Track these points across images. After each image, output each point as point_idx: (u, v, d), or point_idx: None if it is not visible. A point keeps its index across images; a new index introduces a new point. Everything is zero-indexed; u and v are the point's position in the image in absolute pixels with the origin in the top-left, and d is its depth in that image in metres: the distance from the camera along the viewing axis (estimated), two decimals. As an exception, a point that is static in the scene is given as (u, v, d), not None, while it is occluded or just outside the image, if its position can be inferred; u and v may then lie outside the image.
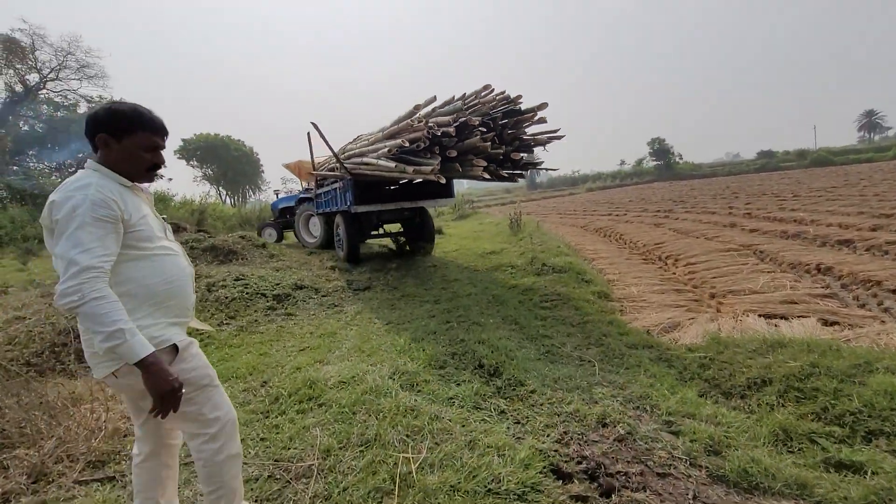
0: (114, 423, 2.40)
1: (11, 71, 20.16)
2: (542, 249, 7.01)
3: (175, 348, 1.37)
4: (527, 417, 2.40)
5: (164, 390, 1.21)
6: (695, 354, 3.16)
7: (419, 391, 2.80)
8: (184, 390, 1.29)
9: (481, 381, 2.88)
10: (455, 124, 4.85)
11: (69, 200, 1.19)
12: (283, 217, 11.57)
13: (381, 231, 8.42)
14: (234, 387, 3.00)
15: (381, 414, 2.49)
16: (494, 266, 6.72)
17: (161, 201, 20.49)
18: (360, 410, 2.54)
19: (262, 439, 2.36)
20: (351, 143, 7.44)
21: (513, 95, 5.40)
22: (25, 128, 22.03)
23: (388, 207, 7.24)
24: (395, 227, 8.69)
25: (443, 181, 4.97)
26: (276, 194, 13.32)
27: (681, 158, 57.06)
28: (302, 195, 10.40)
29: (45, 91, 21.59)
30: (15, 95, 20.34)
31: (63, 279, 1.14)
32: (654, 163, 57.36)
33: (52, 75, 21.07)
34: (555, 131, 5.67)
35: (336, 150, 7.00)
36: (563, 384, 2.76)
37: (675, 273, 6.12)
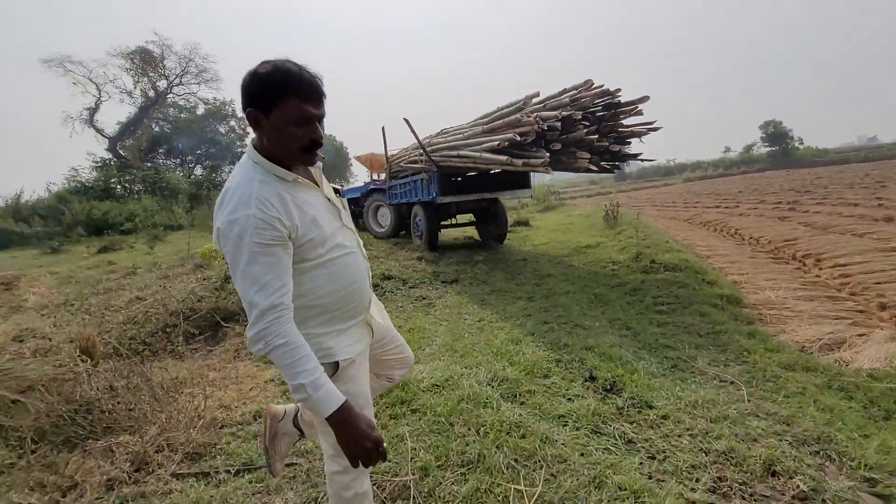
0: (211, 413, 2.36)
1: (146, 79, 23.07)
2: (648, 244, 6.25)
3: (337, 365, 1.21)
4: (663, 452, 1.95)
5: (356, 451, 1.05)
6: (884, 384, 2.44)
7: (522, 403, 2.45)
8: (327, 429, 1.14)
9: (596, 397, 2.45)
10: (560, 119, 4.93)
11: (233, 227, 1.02)
12: (349, 208, 11.60)
13: (454, 220, 8.50)
14: (326, 381, 2.87)
15: (482, 428, 2.18)
16: (592, 261, 6.12)
17: (263, 193, 22.25)
18: (457, 421, 2.25)
19: (353, 445, 2.16)
20: (437, 136, 7.44)
21: (611, 89, 5.38)
22: (156, 129, 25.12)
23: (469, 198, 7.34)
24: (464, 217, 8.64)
25: (551, 174, 5.25)
26: (342, 186, 13.61)
27: (801, 143, 49.88)
28: (373, 186, 10.50)
29: (171, 95, 24.41)
30: (148, 100, 23.23)
31: (250, 323, 1.03)
32: (767, 149, 50.73)
33: (176, 81, 23.75)
34: (651, 123, 5.55)
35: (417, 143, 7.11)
36: (704, 411, 2.23)
37: (818, 276, 5.09)
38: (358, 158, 12.81)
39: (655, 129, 5.55)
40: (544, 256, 6.88)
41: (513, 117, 5.33)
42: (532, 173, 7.02)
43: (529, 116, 5.09)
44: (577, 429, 2.15)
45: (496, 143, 5.28)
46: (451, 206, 7.59)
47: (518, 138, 5.01)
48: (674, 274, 4.82)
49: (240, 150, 28.03)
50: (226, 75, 27.13)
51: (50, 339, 3.27)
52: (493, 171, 7.05)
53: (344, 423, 1.03)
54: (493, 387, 2.62)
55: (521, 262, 6.51)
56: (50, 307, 4.78)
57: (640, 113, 5.39)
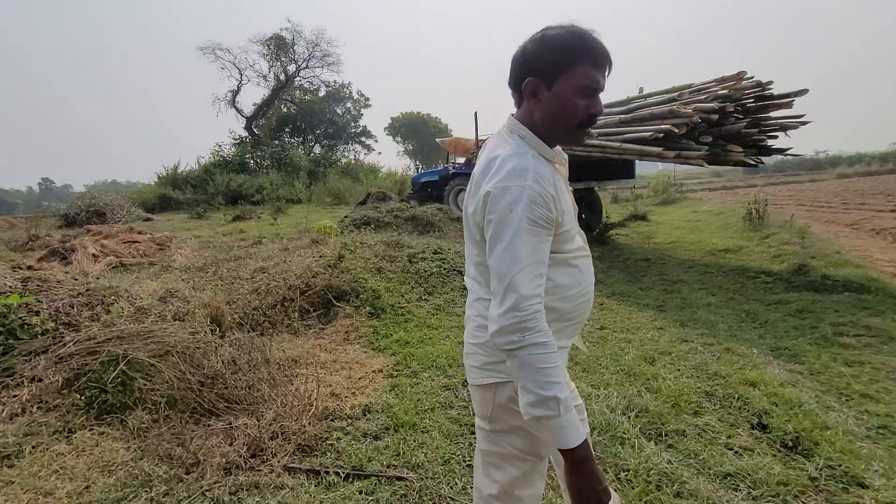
0: (323, 402, 2.28)
1: (278, 63, 25.27)
2: (812, 254, 5.13)
3: None
4: (899, 562, 1.39)
5: (585, 498, 0.85)
6: None
7: (671, 446, 2.00)
8: (503, 443, 1.02)
9: (776, 455, 1.91)
10: (717, 111, 4.81)
11: (506, 194, 0.87)
12: (425, 191, 11.89)
13: None
14: (435, 380, 2.68)
15: (624, 474, 1.79)
16: (735, 270, 5.19)
17: (371, 172, 23.37)
18: (590, 458, 1.89)
19: (470, 465, 1.92)
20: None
21: (763, 80, 5.19)
22: (284, 109, 27.57)
23: (577, 186, 7.14)
24: None
25: (705, 167, 5.01)
26: (418, 169, 13.88)
27: None
28: (456, 170, 10.82)
29: (298, 78, 26.50)
30: (279, 83, 25.47)
31: (501, 307, 0.85)
32: (965, 142, 40.43)
33: (304, 65, 25.66)
34: (800, 116, 5.24)
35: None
36: (953, 506, 1.59)
37: None
38: (442, 142, 13.10)
39: (805, 123, 5.22)
40: (671, 258, 6.05)
41: (665, 108, 5.20)
42: (637, 162, 6.91)
43: (687, 108, 4.93)
44: (755, 499, 1.66)
45: (648, 133, 5.08)
46: None
47: (676, 130, 4.83)
48: (859, 296, 3.82)
49: (353, 130, 29.78)
50: (346, 59, 28.65)
51: (188, 302, 3.53)
52: (594, 159, 6.40)
53: (587, 462, 0.84)
54: (628, 417, 2.20)
55: (644, 263, 5.78)
56: (192, 269, 5.31)
57: (789, 105, 5.05)
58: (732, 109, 4.85)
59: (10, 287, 2.52)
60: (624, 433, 2.06)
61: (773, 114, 5.19)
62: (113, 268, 5.72)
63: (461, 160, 11.87)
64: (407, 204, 8.31)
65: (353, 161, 26.50)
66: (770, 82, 5.11)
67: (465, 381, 2.63)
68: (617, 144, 5.48)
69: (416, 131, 44.23)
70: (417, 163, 46.05)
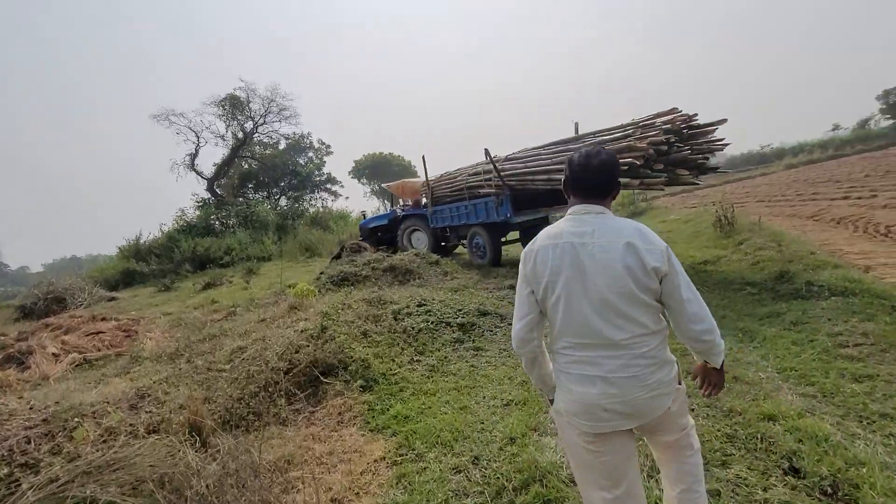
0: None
1: (235, 122, 25.19)
2: (789, 258, 5.22)
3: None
4: None
5: (721, 384, 1.53)
6: None
7: None
8: (685, 404, 1.55)
9: (818, 507, 1.80)
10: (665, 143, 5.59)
11: (668, 248, 1.39)
12: (374, 235, 12.08)
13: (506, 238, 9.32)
14: (443, 462, 2.47)
15: (669, 560, 1.63)
16: (718, 283, 5.23)
17: (342, 218, 23.15)
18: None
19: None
20: (505, 161, 8.10)
21: (690, 113, 6.03)
22: (245, 166, 27.30)
23: (538, 215, 8.30)
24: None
25: (664, 191, 5.69)
26: (364, 215, 14.35)
27: (935, 111, 42.29)
28: (407, 212, 11.40)
29: (256, 134, 26.41)
30: (237, 141, 25.31)
31: (706, 311, 1.39)
32: (890, 121, 43.69)
33: (260, 121, 25.65)
34: (722, 139, 6.12)
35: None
36: None
37: None
38: (388, 187, 13.46)
39: (725, 145, 6.22)
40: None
41: (623, 143, 5.81)
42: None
43: (642, 143, 5.60)
44: (814, 570, 1.53)
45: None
46: (507, 225, 8.41)
47: (639, 163, 5.51)
48: (846, 300, 3.85)
49: (317, 178, 29.69)
50: (302, 110, 28.87)
51: (162, 404, 3.23)
52: (554, 187, 7.23)
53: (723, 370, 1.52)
54: (657, 481, 2.05)
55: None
56: (163, 358, 4.96)
57: (714, 132, 6.01)
58: (674, 140, 5.72)
59: (-48, 432, 2.21)
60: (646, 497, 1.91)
61: (701, 139, 6.07)
62: (77, 366, 5.30)
63: (409, 202, 12.25)
64: (384, 252, 8.16)
65: (321, 209, 26.27)
66: (696, 114, 6.08)
67: (474, 456, 2.45)
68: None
69: (380, 172, 44.55)
70: (385, 202, 46.20)
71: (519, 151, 8.09)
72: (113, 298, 12.47)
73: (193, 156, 24.34)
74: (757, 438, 2.27)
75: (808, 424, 2.29)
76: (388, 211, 12.80)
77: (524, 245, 9.25)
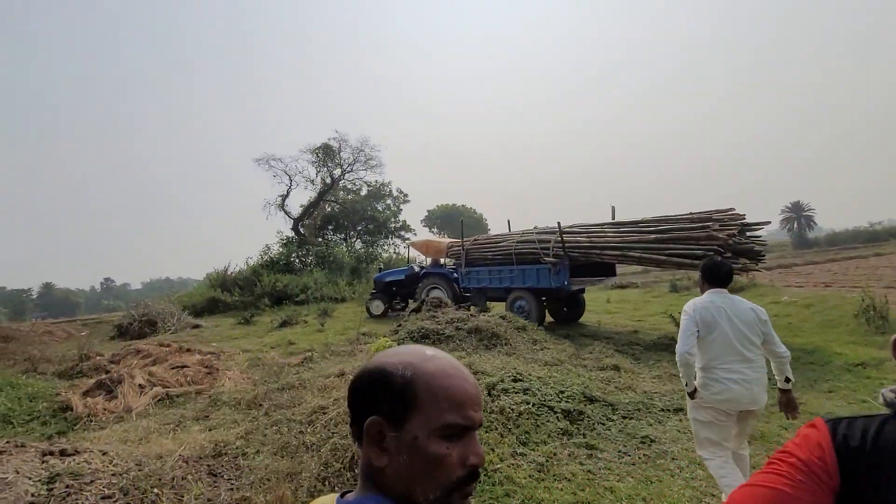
0: None
1: (325, 169, 26.98)
2: None
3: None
4: None
5: (795, 405, 2.52)
6: None
7: None
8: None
9: None
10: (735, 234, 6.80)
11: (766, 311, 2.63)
12: (389, 289, 12.69)
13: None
14: None
15: None
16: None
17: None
18: None
19: None
20: (564, 232, 8.68)
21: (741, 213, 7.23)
22: (328, 209, 28.86)
23: (583, 283, 9.11)
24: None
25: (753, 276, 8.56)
26: (381, 269, 14.95)
27: None
28: (428, 270, 12.05)
29: (343, 181, 28.05)
30: (325, 186, 26.96)
31: (784, 349, 2.54)
32: None
33: (348, 168, 27.29)
34: (761, 238, 7.47)
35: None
36: None
37: None
38: (413, 244, 13.88)
39: (764, 244, 7.22)
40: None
41: (703, 233, 6.85)
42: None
43: (720, 234, 6.68)
44: None
45: (693, 249, 6.90)
46: (552, 291, 8.93)
47: (717, 247, 6.60)
48: None
49: (392, 225, 30.65)
50: (387, 159, 30.48)
51: (240, 474, 2.88)
52: (620, 261, 8.41)
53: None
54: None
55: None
56: (241, 406, 4.74)
57: (761, 228, 7.37)
58: (736, 233, 6.81)
59: (34, 496, 1.98)
60: None
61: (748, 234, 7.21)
62: (159, 400, 5.24)
63: (429, 260, 12.80)
64: (466, 311, 7.70)
65: (393, 255, 26.78)
66: (744, 214, 7.18)
67: None
68: (654, 256, 7.44)
69: (451, 223, 45.28)
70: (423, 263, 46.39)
71: (575, 226, 8.89)
72: (197, 326, 13.04)
73: (284, 197, 26.12)
74: None
75: None
76: (406, 267, 13.38)
77: (551, 311, 10.65)
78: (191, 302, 17.22)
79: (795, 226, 61.92)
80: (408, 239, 31.22)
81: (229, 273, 20.21)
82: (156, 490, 2.26)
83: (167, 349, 7.02)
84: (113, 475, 2.26)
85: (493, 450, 3.41)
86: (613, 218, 8.96)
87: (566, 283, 8.31)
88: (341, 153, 26.57)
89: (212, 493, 2.49)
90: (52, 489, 2.02)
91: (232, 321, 13.83)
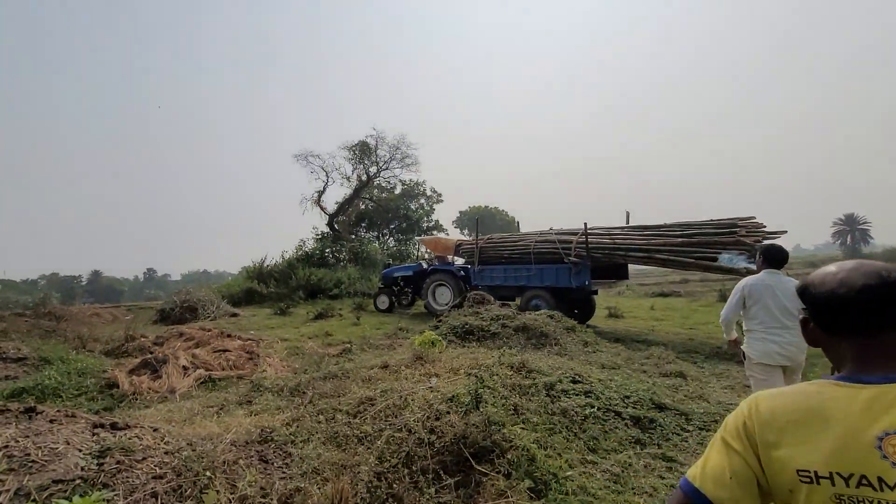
0: None
1: (361, 166, 27.13)
2: None
3: None
4: None
5: None
6: None
7: None
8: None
9: None
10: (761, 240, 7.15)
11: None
12: (397, 284, 12.75)
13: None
14: None
15: None
16: None
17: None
18: None
19: None
20: (584, 234, 8.79)
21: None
22: (362, 206, 29.01)
23: (600, 284, 9.71)
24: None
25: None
26: (388, 265, 15.08)
27: None
28: (436, 266, 12.07)
29: (378, 178, 28.13)
30: (361, 183, 27.11)
31: None
32: None
33: (384, 166, 27.34)
34: (774, 231, 7.57)
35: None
36: None
37: None
38: (422, 241, 14.85)
39: (779, 233, 7.45)
40: None
41: (731, 238, 7.17)
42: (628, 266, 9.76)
43: (748, 239, 7.05)
44: None
45: (720, 253, 7.32)
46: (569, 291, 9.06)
47: (746, 253, 7.03)
48: None
49: (425, 225, 30.54)
50: (422, 158, 30.41)
51: (290, 461, 2.67)
52: (645, 263, 8.55)
53: None
54: None
55: None
56: (284, 392, 4.58)
57: (779, 237, 7.42)
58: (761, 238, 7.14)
59: (84, 470, 1.81)
60: None
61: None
62: (201, 382, 5.16)
63: (439, 256, 13.03)
64: (510, 309, 7.37)
65: (425, 254, 26.66)
66: (764, 224, 7.47)
67: None
68: (680, 259, 7.71)
69: (483, 224, 44.90)
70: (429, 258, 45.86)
71: (597, 228, 9.03)
72: (235, 314, 13.19)
73: (321, 193, 26.42)
74: None
75: None
76: (414, 263, 13.66)
77: (569, 310, 9.66)
78: (228, 292, 17.52)
79: (849, 239, 58.26)
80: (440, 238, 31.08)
81: (266, 266, 20.53)
82: (208, 473, 2.06)
83: (209, 333, 7.00)
84: (165, 454, 2.08)
85: (560, 455, 3.09)
86: (627, 223, 9.23)
87: (587, 282, 8.53)
88: (378, 151, 26.65)
89: (264, 482, 2.27)
90: (102, 464, 1.85)
91: (268, 311, 13.95)
